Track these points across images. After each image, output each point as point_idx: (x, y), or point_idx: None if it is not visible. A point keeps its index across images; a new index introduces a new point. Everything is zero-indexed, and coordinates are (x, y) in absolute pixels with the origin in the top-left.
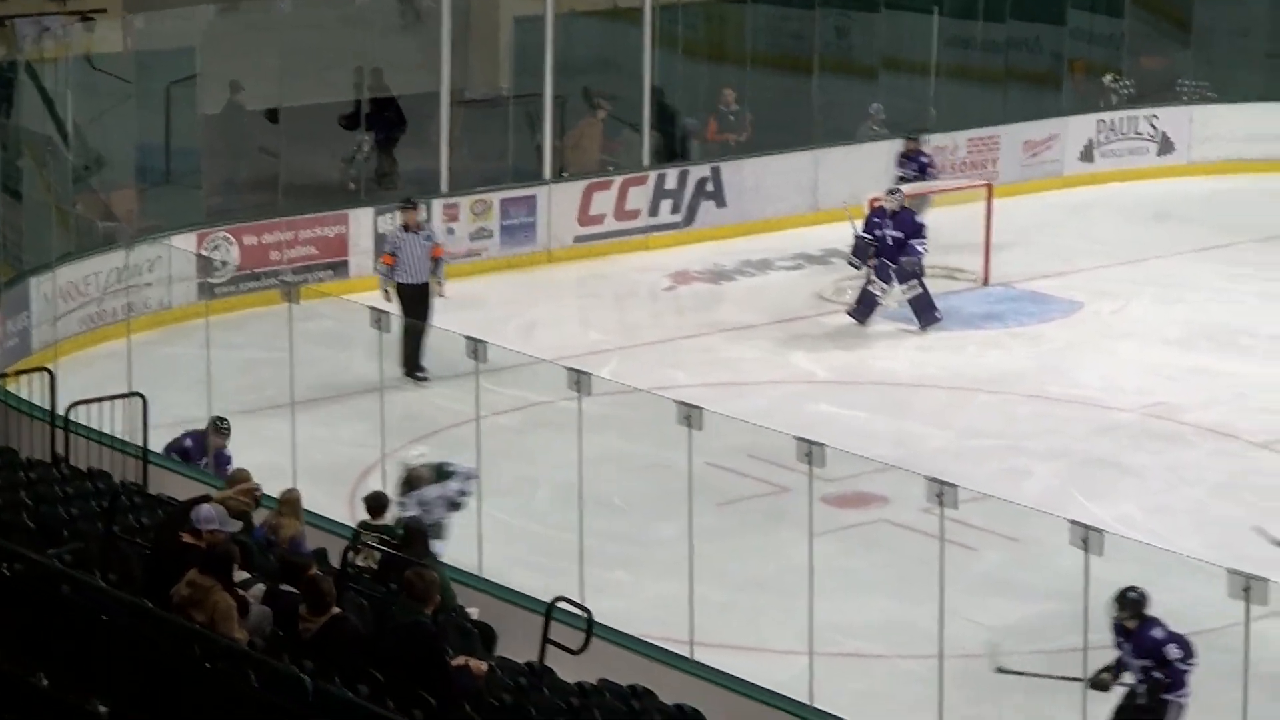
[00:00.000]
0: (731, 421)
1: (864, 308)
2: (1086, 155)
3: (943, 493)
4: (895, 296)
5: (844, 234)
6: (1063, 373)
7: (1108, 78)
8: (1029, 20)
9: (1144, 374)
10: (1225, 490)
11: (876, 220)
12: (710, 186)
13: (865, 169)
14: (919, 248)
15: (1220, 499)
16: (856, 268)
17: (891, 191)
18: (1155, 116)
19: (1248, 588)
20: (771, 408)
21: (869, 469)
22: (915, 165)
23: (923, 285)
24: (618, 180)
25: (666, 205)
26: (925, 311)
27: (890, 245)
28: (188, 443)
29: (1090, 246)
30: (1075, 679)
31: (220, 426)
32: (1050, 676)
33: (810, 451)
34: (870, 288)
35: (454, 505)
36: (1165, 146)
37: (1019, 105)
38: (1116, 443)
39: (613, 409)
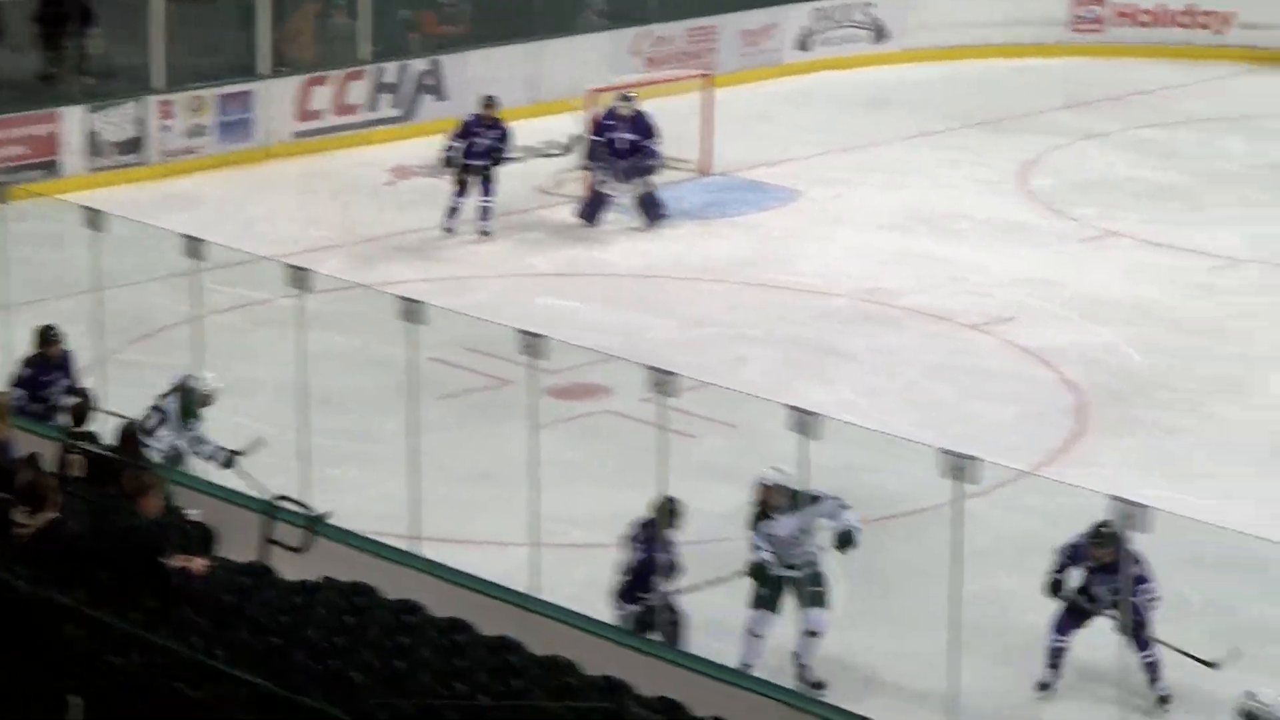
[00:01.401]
0: (454, 315)
1: (592, 208)
2: (803, 44)
3: (663, 381)
4: (625, 196)
5: (566, 126)
6: (782, 260)
7: None
8: None
9: (861, 260)
10: (938, 372)
11: (610, 124)
12: (431, 80)
13: (586, 60)
14: (655, 148)
15: (933, 380)
16: (589, 170)
17: (625, 98)
18: (870, 4)
19: (958, 467)
20: (495, 301)
21: (591, 360)
22: (493, 135)
23: (652, 184)
24: (337, 75)
25: (386, 99)
26: (652, 209)
27: (624, 149)
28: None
29: (808, 135)
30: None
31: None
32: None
33: (532, 344)
34: (601, 189)
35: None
36: (880, 34)
37: None
38: (833, 328)
39: (335, 305)
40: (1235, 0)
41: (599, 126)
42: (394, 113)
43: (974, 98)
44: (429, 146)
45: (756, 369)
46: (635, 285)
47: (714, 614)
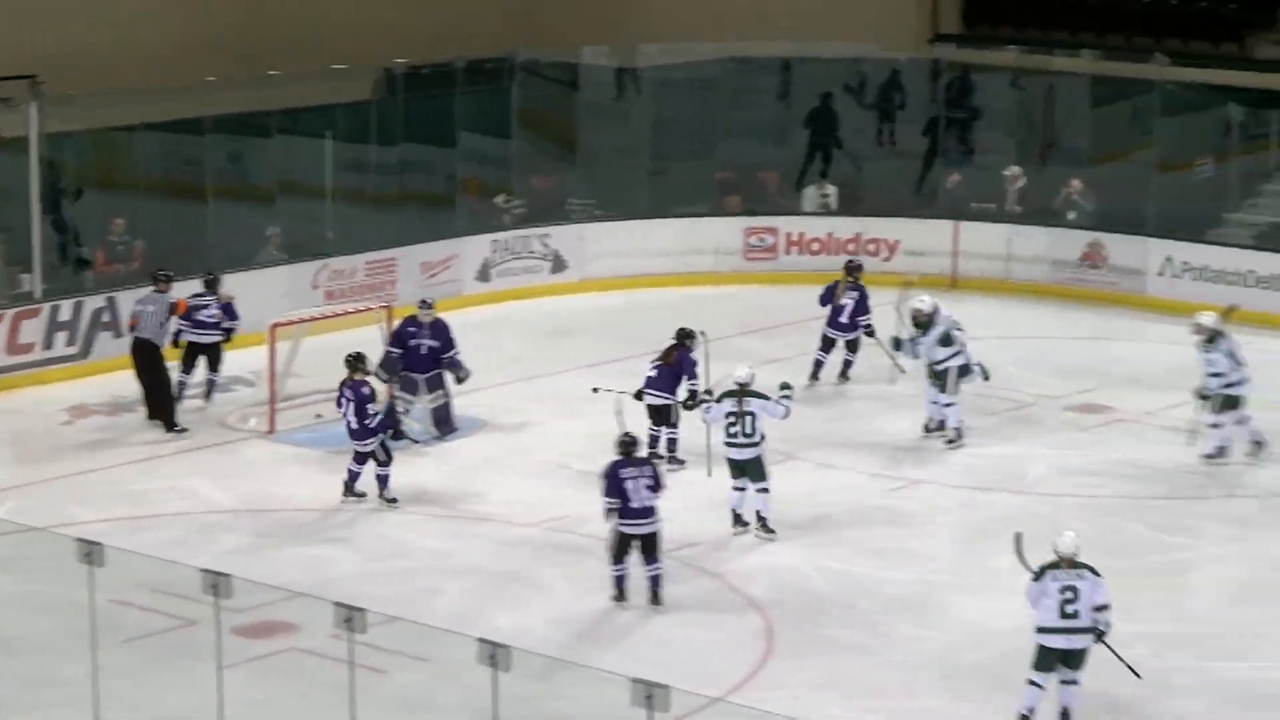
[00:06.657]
0: (134, 556)
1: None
2: (483, 275)
3: (351, 618)
4: (420, 405)
5: (249, 361)
6: (470, 490)
7: (500, 198)
8: (421, 143)
9: (547, 488)
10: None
11: (412, 330)
12: (106, 317)
13: (265, 294)
14: (459, 358)
15: (623, 606)
16: (385, 380)
17: (425, 304)
18: (547, 235)
19: (650, 695)
20: (180, 539)
21: (278, 598)
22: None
23: (448, 395)
24: (9, 313)
25: (62, 337)
26: (445, 422)
27: (424, 354)
28: None
29: (492, 365)
30: None
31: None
32: None
33: (216, 583)
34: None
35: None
36: (558, 264)
37: (415, 227)
38: (523, 557)
39: (12, 549)
40: (899, 229)
41: (400, 336)
42: (70, 350)
43: (652, 325)
44: (107, 383)
45: (447, 600)
46: (320, 519)
47: None
